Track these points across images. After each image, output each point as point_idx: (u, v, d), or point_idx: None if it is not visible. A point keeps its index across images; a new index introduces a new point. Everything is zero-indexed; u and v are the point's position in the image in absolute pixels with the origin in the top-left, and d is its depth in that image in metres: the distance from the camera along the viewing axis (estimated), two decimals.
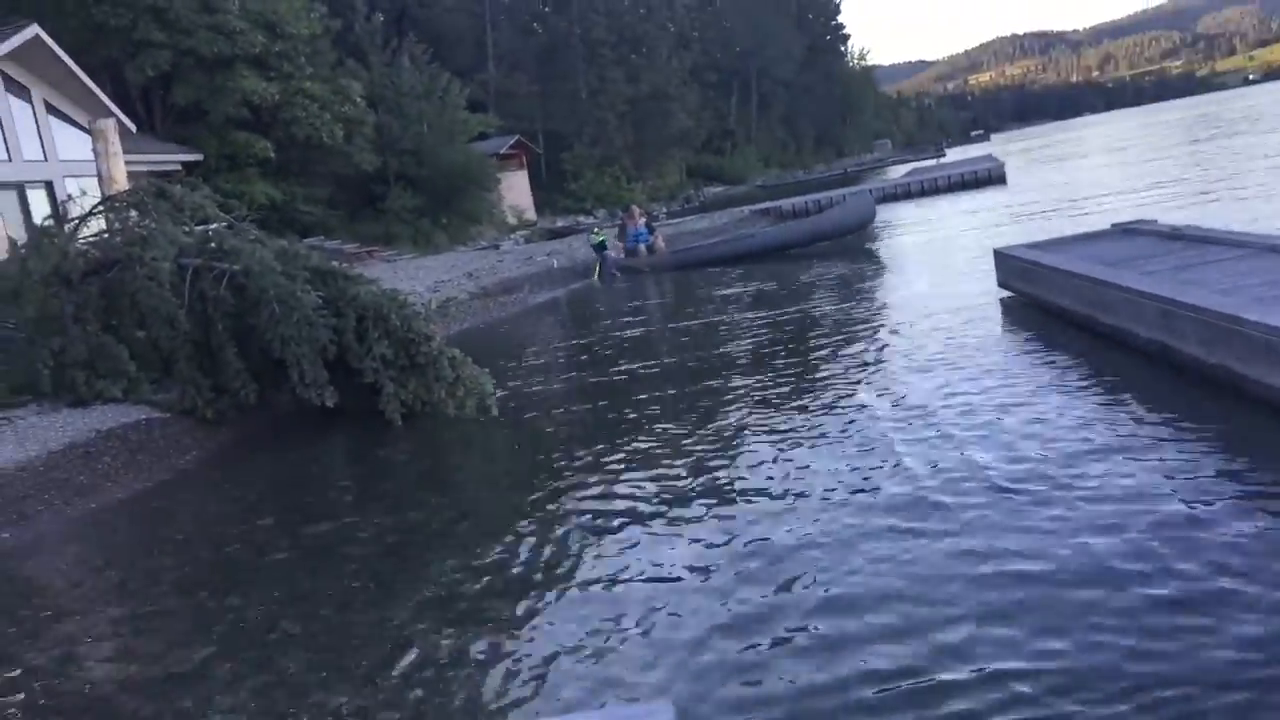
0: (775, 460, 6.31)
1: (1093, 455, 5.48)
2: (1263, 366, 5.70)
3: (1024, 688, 3.42)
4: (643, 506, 5.89)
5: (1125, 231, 10.90)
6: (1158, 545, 4.29)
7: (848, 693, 3.56)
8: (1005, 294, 10.56)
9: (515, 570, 5.25)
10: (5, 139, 20.59)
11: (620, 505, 5.98)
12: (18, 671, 4.91)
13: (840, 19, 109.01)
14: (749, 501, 5.67)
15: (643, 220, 23.37)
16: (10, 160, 20.48)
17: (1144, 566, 4.11)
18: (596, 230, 25.01)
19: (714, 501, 5.75)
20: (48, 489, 8.32)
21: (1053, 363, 7.69)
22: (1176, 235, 9.92)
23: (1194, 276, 7.58)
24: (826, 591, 4.37)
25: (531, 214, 44.14)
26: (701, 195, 62.87)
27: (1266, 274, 7.27)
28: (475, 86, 44.85)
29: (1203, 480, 4.90)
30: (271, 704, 4.18)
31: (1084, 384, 6.95)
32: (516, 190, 43.94)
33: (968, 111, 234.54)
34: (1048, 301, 9.31)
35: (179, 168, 24.76)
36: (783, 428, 7.09)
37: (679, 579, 4.76)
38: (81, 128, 20.62)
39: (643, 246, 22.38)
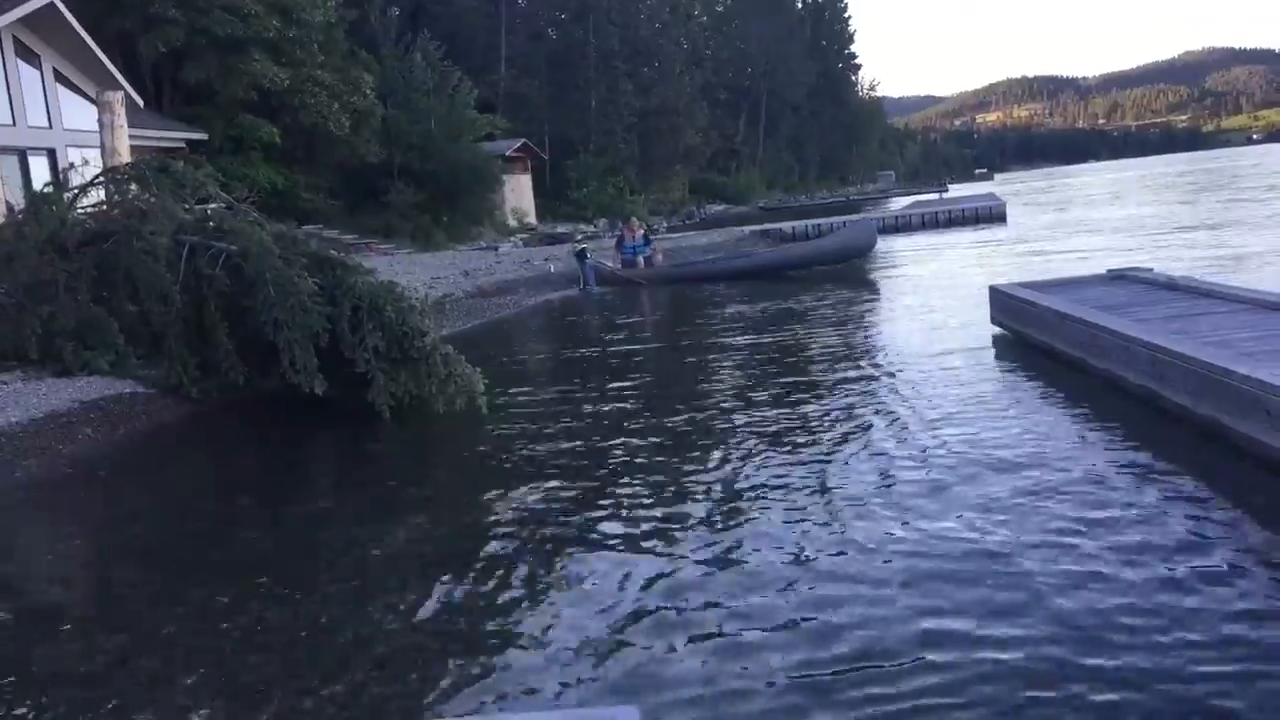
0: (751, 488, 6.27)
1: (1079, 503, 5.47)
2: (1250, 420, 5.72)
3: None
4: (622, 512, 5.87)
5: (1121, 277, 10.96)
6: (1141, 605, 4.28)
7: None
8: (998, 331, 10.60)
9: (489, 568, 5.23)
10: (11, 103, 20.55)
11: (599, 512, 5.96)
12: None
13: (853, 48, 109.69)
14: (727, 522, 5.65)
15: (641, 232, 23.39)
16: (14, 125, 20.43)
17: (1123, 631, 4.10)
18: (579, 239, 25.10)
19: (691, 517, 5.73)
20: (25, 455, 8.27)
21: (1043, 404, 7.72)
22: (1171, 285, 9.97)
23: (1186, 327, 7.62)
24: (801, 620, 4.36)
25: (532, 218, 44.17)
26: (703, 212, 62.99)
27: (1258, 329, 7.31)
28: (486, 87, 44.92)
29: (1189, 538, 4.90)
30: (233, 684, 4.14)
31: (1073, 428, 6.96)
32: (519, 193, 43.98)
33: (973, 149, 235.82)
34: (1040, 341, 9.34)
35: (183, 146, 24.73)
36: (765, 450, 7.07)
37: (654, 587, 4.74)
38: (89, 98, 20.59)
39: (640, 259, 22.41)
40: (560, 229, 41.17)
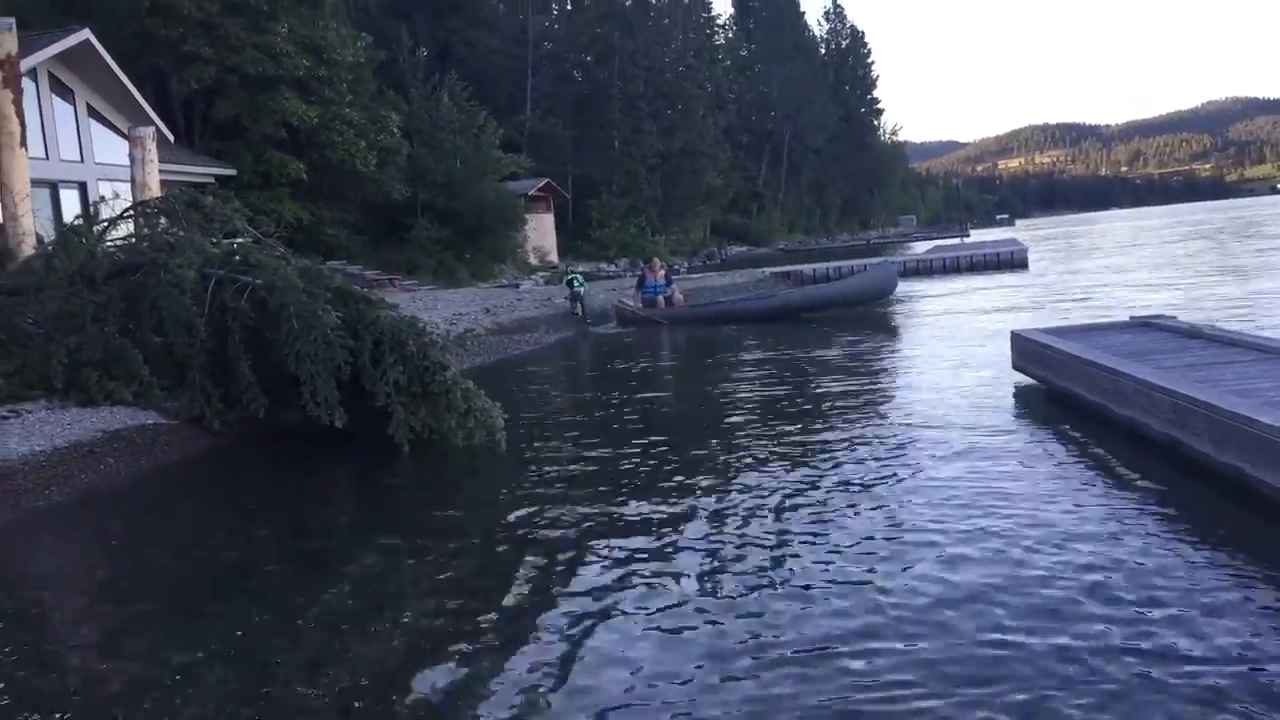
0: (764, 536, 6.21)
1: (1096, 548, 5.43)
2: (1274, 469, 5.67)
3: None
4: (635, 549, 5.86)
5: (1144, 325, 10.91)
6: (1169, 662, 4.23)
7: None
8: (1019, 377, 10.55)
9: (504, 603, 5.22)
10: (45, 137, 20.89)
11: (615, 553, 5.94)
12: None
13: (876, 93, 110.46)
14: (737, 566, 5.61)
15: (663, 273, 23.49)
16: (47, 159, 20.76)
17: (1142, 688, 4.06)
18: (570, 270, 25.50)
19: (702, 562, 5.69)
20: (49, 484, 8.34)
21: (1064, 451, 7.66)
22: (1194, 333, 9.92)
23: (1209, 375, 7.57)
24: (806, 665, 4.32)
25: (554, 257, 44.43)
26: (724, 253, 63.27)
27: None
28: (511, 127, 45.44)
29: (1209, 589, 4.85)
30: (247, 715, 4.14)
31: (1093, 476, 6.92)
32: (541, 232, 44.28)
33: (994, 195, 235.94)
34: (1061, 387, 9.29)
35: (212, 180, 25.06)
36: (780, 498, 7.05)
37: (660, 629, 4.72)
38: (120, 133, 20.96)
39: (660, 298, 22.49)
40: (582, 268, 41.36)
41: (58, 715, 4.27)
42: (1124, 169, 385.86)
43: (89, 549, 7.32)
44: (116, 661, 4.86)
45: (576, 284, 23.59)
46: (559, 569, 5.70)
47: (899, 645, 4.35)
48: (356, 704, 4.18)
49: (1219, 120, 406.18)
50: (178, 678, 4.57)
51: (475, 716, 4.04)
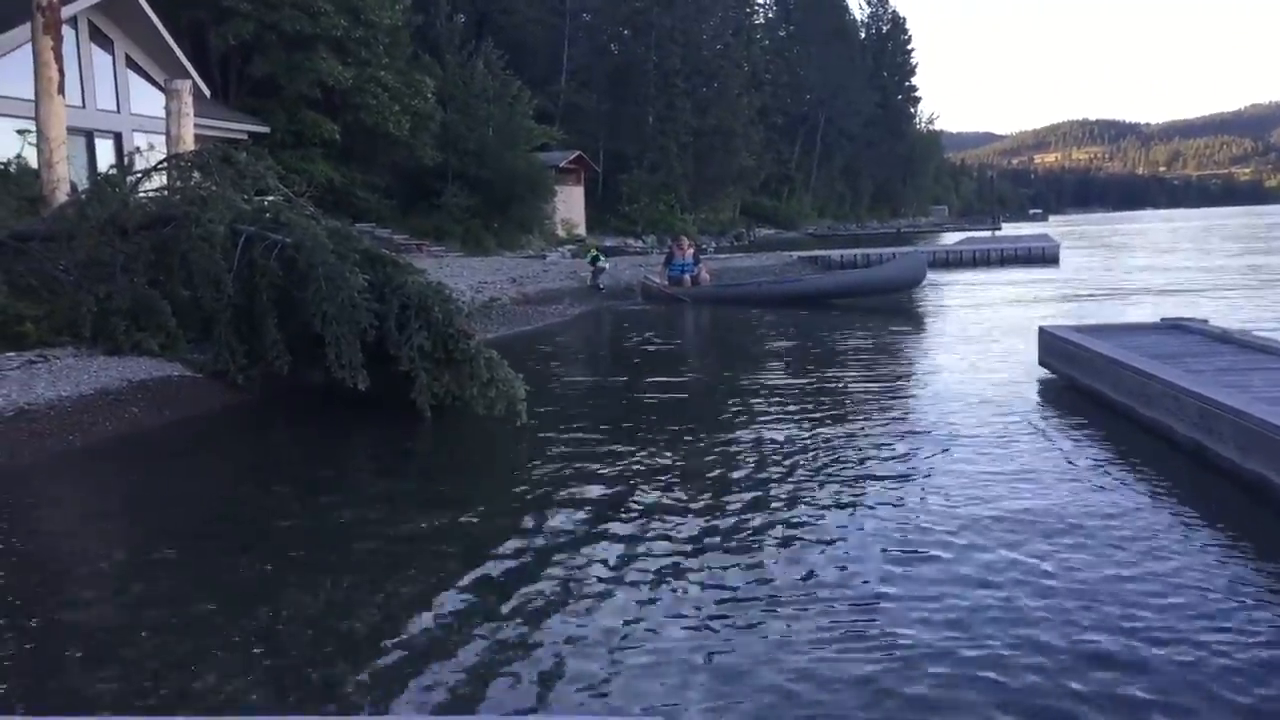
0: (783, 525, 6.21)
1: (1120, 552, 5.40)
2: None
3: None
4: (645, 524, 5.86)
5: (1174, 327, 10.80)
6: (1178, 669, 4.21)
7: None
8: (1045, 373, 10.48)
9: (512, 570, 5.24)
10: (82, 86, 20.99)
11: (625, 529, 5.95)
12: (8, 602, 4.95)
13: (914, 80, 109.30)
14: (751, 557, 5.61)
15: (691, 251, 23.41)
16: (84, 108, 20.87)
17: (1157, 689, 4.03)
18: (591, 246, 26.24)
19: (715, 546, 5.69)
20: (73, 430, 8.43)
21: (1087, 450, 7.60)
22: (1225, 338, 9.81)
23: (1238, 380, 7.49)
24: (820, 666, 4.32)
25: (582, 230, 44.37)
26: (752, 235, 62.97)
27: None
28: (545, 98, 45.32)
29: (1226, 595, 4.82)
30: (266, 665, 4.19)
31: (1116, 477, 6.86)
32: (571, 204, 44.21)
33: (1029, 189, 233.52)
34: (1087, 385, 9.22)
35: (246, 137, 25.13)
36: (804, 482, 7.04)
37: (669, 601, 4.73)
38: (157, 85, 21.02)
39: (687, 277, 22.43)
40: (609, 242, 41.33)
41: (69, 654, 4.33)
42: (1162, 169, 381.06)
43: (109, 495, 7.40)
44: (128, 607, 4.93)
45: (601, 260, 24.10)
46: (571, 541, 5.72)
47: (908, 633, 4.34)
48: (364, 658, 4.22)
49: (1262, 124, 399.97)
50: (189, 625, 4.62)
51: (479, 673, 4.07)
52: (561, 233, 41.42)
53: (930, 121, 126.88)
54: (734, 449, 7.91)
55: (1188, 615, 4.48)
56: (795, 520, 5.99)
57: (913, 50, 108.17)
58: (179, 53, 23.18)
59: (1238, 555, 5.28)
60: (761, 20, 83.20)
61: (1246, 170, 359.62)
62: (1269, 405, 6.42)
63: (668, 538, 5.71)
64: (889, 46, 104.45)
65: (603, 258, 24.80)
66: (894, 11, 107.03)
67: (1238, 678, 3.90)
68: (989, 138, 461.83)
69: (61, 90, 14.39)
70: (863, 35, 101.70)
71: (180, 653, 4.34)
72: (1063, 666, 4.01)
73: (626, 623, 4.53)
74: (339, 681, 4.06)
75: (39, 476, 7.59)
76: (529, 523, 6.12)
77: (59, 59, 14.33)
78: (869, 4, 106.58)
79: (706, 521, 6.00)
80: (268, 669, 4.19)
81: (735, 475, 7.10)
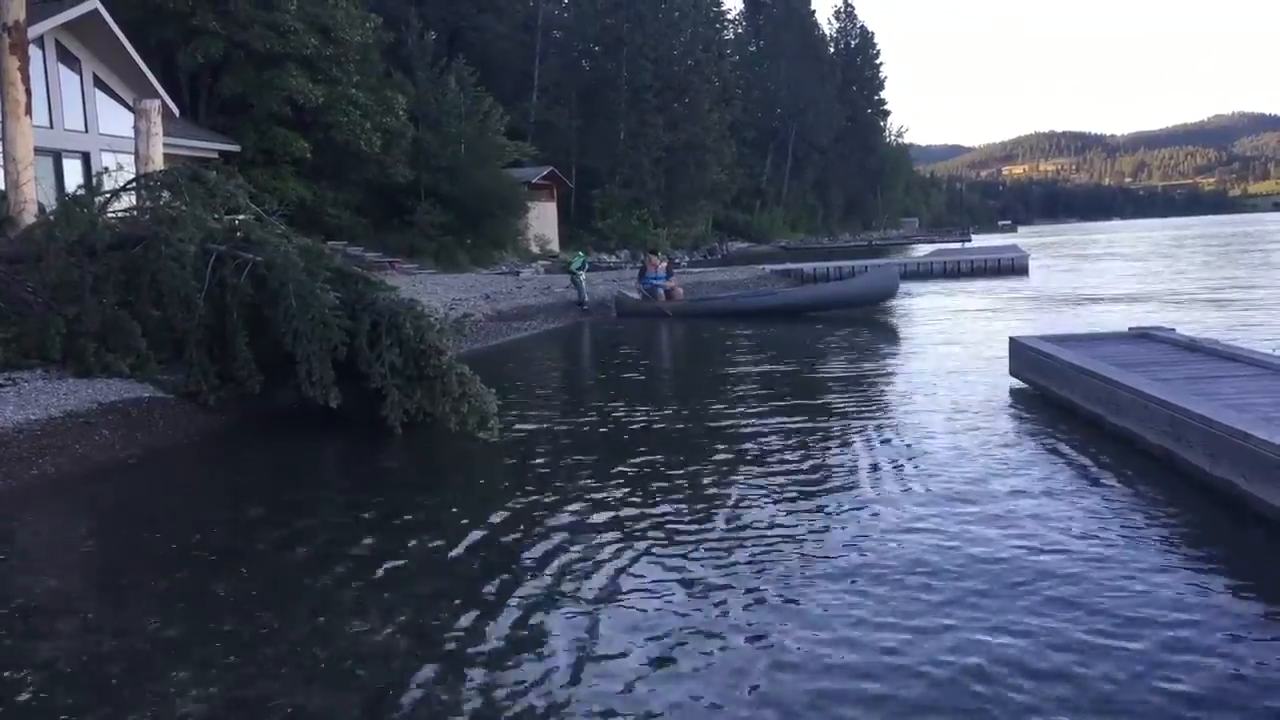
0: (758, 536, 6.24)
1: (1086, 558, 5.44)
2: (1268, 485, 5.68)
3: None
4: (625, 534, 5.86)
5: (1142, 336, 10.92)
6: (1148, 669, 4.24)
7: None
8: (1016, 383, 10.56)
9: (488, 585, 5.23)
10: (50, 106, 20.83)
11: (600, 540, 5.95)
12: None
13: (883, 94, 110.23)
14: (728, 569, 5.62)
15: (663, 265, 23.51)
16: (51, 128, 20.70)
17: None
18: (577, 255, 26.20)
19: (689, 558, 5.71)
20: (42, 453, 8.32)
21: (1057, 459, 7.67)
22: (1192, 346, 9.94)
23: (1206, 388, 7.59)
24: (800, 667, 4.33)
25: (555, 245, 44.37)
26: (725, 249, 63.20)
27: (1278, 394, 7.27)
28: (517, 114, 45.35)
29: (1193, 602, 4.86)
30: (238, 691, 4.15)
31: (1085, 485, 6.92)
32: (544, 220, 44.22)
33: (998, 201, 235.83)
34: (1057, 395, 9.30)
35: (216, 156, 25.00)
36: (775, 495, 7.06)
37: (652, 613, 4.73)
38: (125, 105, 20.91)
39: (660, 291, 22.52)
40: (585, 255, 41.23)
41: (44, 682, 4.27)
42: (1128, 180, 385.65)
43: (80, 520, 7.32)
44: (103, 634, 4.86)
45: (576, 266, 23.85)
46: (545, 554, 5.73)
47: (882, 644, 4.36)
48: (343, 680, 4.19)
49: (1225, 135, 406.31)
50: (165, 651, 4.57)
51: (458, 694, 4.05)
52: (535, 249, 41.41)
53: (899, 135, 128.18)
54: (704, 462, 7.92)
55: (1155, 624, 4.52)
56: (759, 534, 6.00)
57: (881, 64, 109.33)
58: (147, 72, 23.04)
59: (1204, 560, 5.34)
60: (731, 36, 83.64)
61: (1211, 180, 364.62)
62: (1237, 413, 6.50)
63: (644, 552, 5.71)
64: (858, 61, 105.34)
65: (580, 258, 24.57)
66: (862, 26, 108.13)
67: (1201, 678, 3.95)
68: (957, 150, 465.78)
69: (29, 111, 14.27)
70: (832, 50, 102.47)
71: (150, 678, 4.29)
72: (1023, 675, 4.04)
73: (597, 639, 4.53)
74: (315, 705, 4.02)
75: (7, 501, 7.48)
76: (502, 539, 6.11)
77: (26, 79, 14.22)
78: (837, 19, 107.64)
79: (676, 535, 6.01)
80: (241, 694, 4.15)
81: (705, 489, 7.11)
